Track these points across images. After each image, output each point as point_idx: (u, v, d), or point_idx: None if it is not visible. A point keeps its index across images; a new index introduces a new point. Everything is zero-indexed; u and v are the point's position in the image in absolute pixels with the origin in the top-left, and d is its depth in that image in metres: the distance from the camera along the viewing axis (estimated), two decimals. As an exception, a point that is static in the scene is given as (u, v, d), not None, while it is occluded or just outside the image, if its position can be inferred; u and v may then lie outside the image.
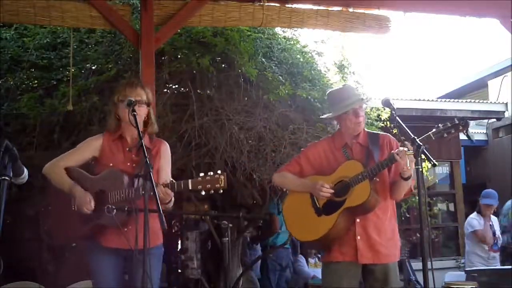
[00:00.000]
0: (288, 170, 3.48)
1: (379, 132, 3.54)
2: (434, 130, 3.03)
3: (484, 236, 6.46)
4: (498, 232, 6.60)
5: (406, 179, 3.13)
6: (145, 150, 2.91)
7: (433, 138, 3.00)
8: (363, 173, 3.15)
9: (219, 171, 2.99)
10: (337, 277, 3.28)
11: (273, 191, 5.82)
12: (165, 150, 3.31)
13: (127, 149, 3.20)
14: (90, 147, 3.25)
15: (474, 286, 5.07)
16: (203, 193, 2.97)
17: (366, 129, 3.44)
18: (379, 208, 3.25)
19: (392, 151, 3.11)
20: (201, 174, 2.98)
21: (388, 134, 3.54)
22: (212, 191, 2.97)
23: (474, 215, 6.70)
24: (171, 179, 3.09)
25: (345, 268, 3.26)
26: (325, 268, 3.43)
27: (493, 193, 6.74)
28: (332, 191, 3.23)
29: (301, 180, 3.40)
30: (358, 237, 3.23)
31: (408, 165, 3.04)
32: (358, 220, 3.24)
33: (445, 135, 3.00)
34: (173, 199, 3.08)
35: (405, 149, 3.05)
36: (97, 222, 3.06)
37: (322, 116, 3.63)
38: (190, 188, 2.98)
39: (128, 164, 3.16)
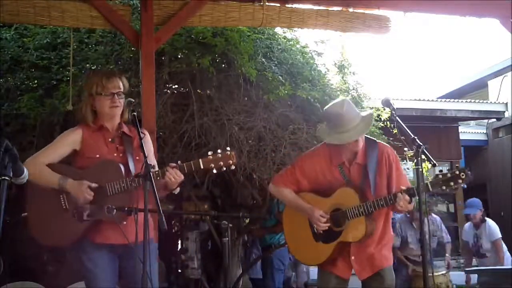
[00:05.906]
0: (285, 185, 3.41)
1: (378, 142, 3.40)
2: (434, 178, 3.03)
3: None
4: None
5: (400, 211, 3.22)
6: (126, 138, 2.95)
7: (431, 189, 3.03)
8: (359, 208, 3.14)
9: (228, 148, 2.92)
10: (328, 284, 3.32)
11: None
12: (146, 137, 3.15)
13: (110, 139, 3.10)
14: (69, 141, 3.09)
15: (474, 286, 5.07)
16: (215, 171, 2.89)
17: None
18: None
19: (397, 194, 3.06)
20: (210, 152, 2.89)
21: (387, 145, 3.47)
22: (224, 168, 2.89)
23: None
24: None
25: (337, 279, 3.30)
26: (319, 272, 3.45)
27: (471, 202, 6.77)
28: (329, 224, 3.24)
29: (297, 202, 3.36)
30: (352, 257, 3.25)
31: (406, 206, 3.07)
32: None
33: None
34: (178, 188, 2.99)
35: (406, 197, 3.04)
36: (97, 218, 2.87)
37: (317, 134, 3.56)
38: (201, 167, 2.88)
39: (115, 154, 3.07)
